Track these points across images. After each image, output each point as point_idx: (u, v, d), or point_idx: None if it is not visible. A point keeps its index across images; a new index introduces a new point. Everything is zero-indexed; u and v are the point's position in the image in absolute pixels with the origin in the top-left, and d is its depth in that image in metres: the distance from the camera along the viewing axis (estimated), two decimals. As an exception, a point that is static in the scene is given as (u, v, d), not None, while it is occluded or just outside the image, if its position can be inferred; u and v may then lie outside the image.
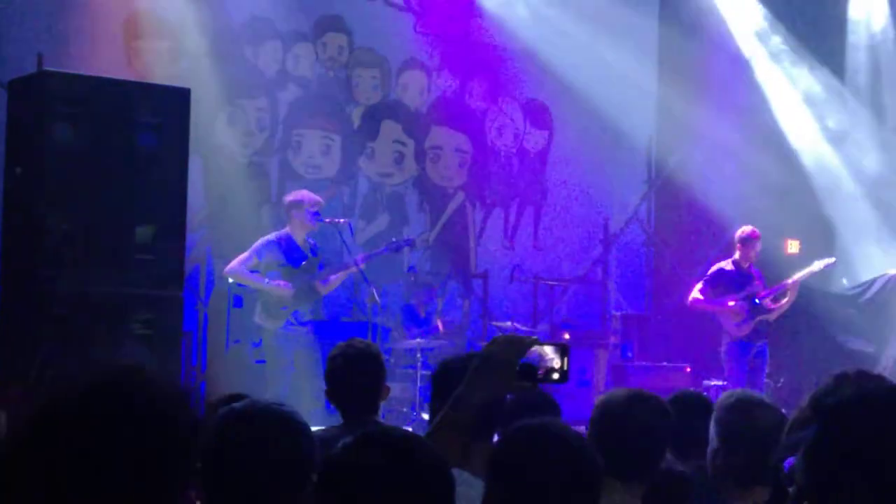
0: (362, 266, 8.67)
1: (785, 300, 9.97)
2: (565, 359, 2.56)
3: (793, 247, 12.23)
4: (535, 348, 2.56)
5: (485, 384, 2.56)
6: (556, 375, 2.56)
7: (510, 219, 13.20)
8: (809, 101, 12.92)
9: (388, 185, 12.40)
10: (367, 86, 12.30)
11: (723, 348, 10.08)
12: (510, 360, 2.55)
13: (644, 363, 10.92)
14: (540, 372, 2.56)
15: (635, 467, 3.20)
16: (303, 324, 8.45)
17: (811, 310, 11.32)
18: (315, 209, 8.53)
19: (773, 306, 9.95)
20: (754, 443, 3.37)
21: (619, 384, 9.88)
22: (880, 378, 4.27)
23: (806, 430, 2.44)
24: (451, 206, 12.80)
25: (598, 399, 3.39)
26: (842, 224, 12.69)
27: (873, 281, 11.70)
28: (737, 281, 9.99)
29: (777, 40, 12.94)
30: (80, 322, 6.28)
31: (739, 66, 13.08)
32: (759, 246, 10.05)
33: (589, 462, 2.47)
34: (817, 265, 10.04)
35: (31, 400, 1.93)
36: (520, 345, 2.57)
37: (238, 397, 2.97)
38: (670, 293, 12.46)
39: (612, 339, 11.24)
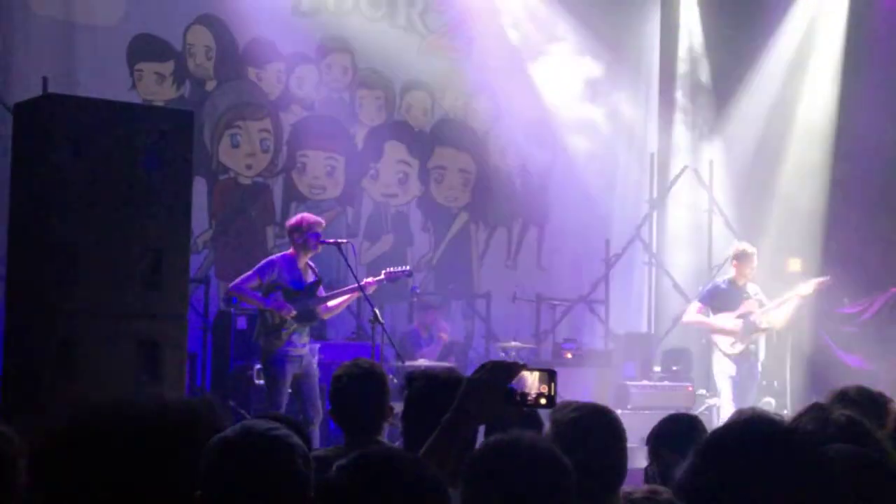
0: (370, 292, 8.63)
1: (782, 318, 9.83)
2: (553, 384, 2.62)
3: (794, 265, 12.22)
4: (523, 374, 2.61)
5: (475, 410, 2.61)
6: (543, 401, 2.62)
7: (513, 239, 13.23)
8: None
9: (393, 205, 12.44)
10: (371, 106, 12.35)
11: (714, 367, 9.96)
12: (498, 385, 2.60)
13: (646, 382, 10.91)
14: (529, 398, 2.62)
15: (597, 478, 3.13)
16: (303, 345, 8.45)
17: (812, 327, 11.32)
18: (316, 230, 8.50)
19: (765, 326, 9.76)
20: None
21: (621, 403, 9.87)
22: (881, 395, 4.30)
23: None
24: (455, 227, 12.83)
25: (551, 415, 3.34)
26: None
27: (874, 298, 11.70)
28: (731, 298, 9.82)
29: None
30: (85, 343, 6.32)
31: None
32: (754, 262, 9.88)
33: (560, 472, 2.49)
34: (808, 286, 9.89)
35: (39, 423, 1.96)
36: (507, 371, 2.62)
37: (277, 418, 2.98)
38: (672, 312, 12.48)
39: (615, 359, 11.23)
